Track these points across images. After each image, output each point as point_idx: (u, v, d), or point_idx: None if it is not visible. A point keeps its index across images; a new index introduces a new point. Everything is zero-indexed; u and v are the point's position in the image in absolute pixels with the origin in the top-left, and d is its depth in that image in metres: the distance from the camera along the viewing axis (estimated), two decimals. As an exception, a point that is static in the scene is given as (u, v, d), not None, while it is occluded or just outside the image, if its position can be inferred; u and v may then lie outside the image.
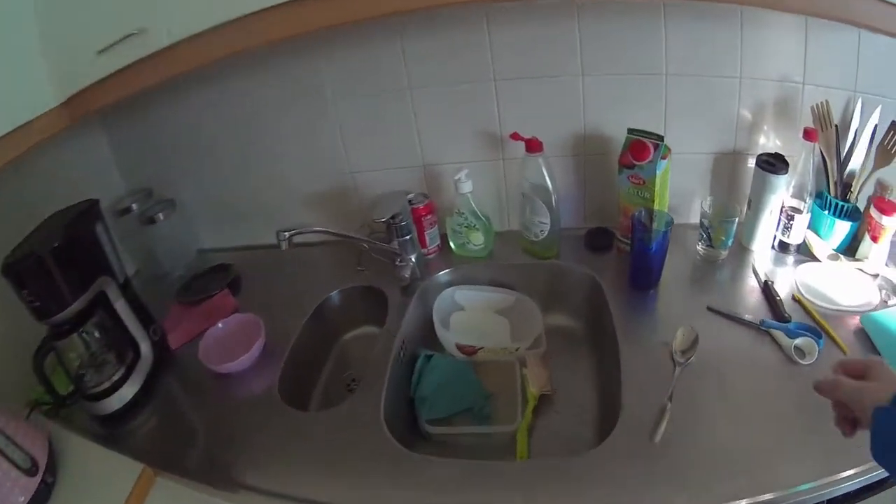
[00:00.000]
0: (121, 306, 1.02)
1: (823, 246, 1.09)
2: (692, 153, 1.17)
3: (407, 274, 1.15)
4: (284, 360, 1.08)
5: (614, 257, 1.22)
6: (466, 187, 1.16)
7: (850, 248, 1.09)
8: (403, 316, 1.13)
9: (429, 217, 1.22)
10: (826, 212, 1.08)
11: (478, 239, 1.20)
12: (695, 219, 1.18)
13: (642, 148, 1.05)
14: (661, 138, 1.04)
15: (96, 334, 0.98)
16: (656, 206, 1.09)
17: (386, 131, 1.22)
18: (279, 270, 1.34)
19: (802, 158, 1.03)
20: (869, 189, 1.05)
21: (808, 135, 1.01)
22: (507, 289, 1.21)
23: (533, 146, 1.11)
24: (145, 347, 1.07)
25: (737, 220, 1.11)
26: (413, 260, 1.17)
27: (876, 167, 1.02)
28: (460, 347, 1.11)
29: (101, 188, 1.25)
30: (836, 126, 1.02)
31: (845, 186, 1.06)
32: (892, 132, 0.98)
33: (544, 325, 1.12)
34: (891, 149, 0.99)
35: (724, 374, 0.92)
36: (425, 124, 1.20)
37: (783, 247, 1.14)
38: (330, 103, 1.19)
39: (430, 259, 1.27)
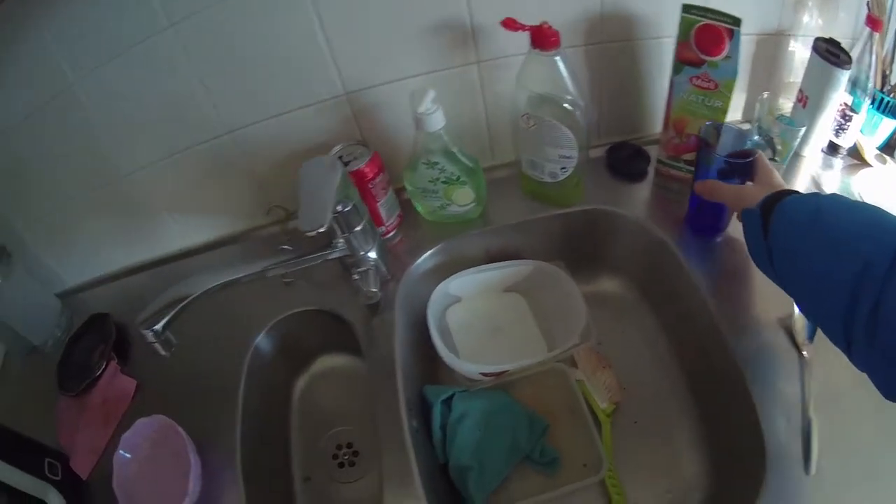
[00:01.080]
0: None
1: (870, 146, 0.86)
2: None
3: (372, 286, 0.71)
4: (239, 470, 0.68)
5: (650, 187, 0.84)
6: (436, 120, 0.69)
7: (887, 148, 0.87)
8: (390, 343, 0.72)
9: (378, 179, 0.76)
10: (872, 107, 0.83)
11: (465, 196, 0.77)
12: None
13: (716, 37, 0.67)
14: (736, 22, 0.65)
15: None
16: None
17: (272, 53, 0.72)
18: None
19: (861, 47, 0.77)
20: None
21: (873, 23, 0.74)
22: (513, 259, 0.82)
23: (545, 39, 0.66)
24: (53, 497, 0.73)
25: (804, 128, 0.79)
26: (374, 257, 0.74)
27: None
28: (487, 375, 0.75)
29: None
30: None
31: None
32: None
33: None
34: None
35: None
36: (336, 26, 0.71)
37: (833, 149, 0.88)
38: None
39: (391, 240, 0.83)
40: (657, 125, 0.82)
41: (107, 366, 0.88)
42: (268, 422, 0.79)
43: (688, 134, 0.77)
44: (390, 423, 0.65)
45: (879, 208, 0.50)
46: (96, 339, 0.95)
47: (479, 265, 0.81)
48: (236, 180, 0.85)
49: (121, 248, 0.97)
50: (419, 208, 0.82)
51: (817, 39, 0.78)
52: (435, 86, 0.71)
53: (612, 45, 0.78)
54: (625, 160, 0.84)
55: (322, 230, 0.59)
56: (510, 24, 0.67)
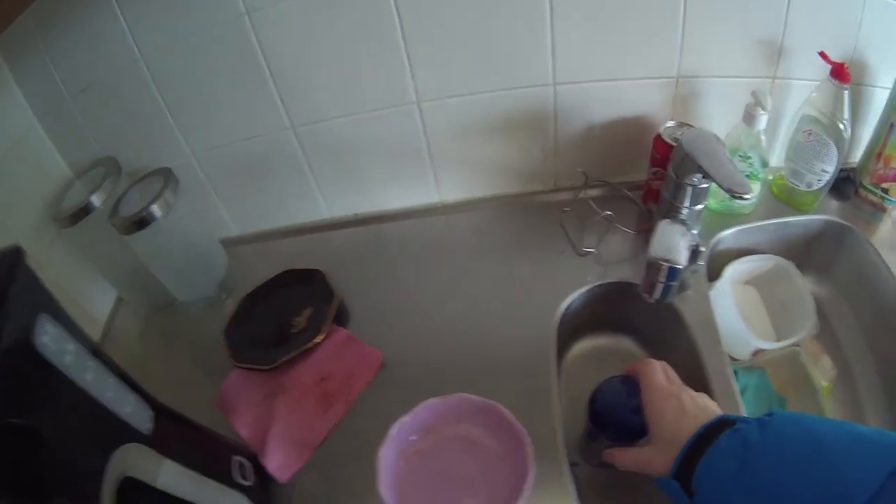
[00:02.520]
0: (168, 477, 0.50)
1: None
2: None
3: (699, 260, 0.76)
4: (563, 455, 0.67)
5: (851, 206, 0.96)
6: (763, 120, 0.79)
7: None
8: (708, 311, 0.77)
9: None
10: None
11: (754, 191, 0.86)
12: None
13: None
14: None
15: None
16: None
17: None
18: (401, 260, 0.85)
19: None
20: None
21: None
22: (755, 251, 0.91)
23: (843, 74, 0.78)
24: None
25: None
26: (696, 233, 0.79)
27: None
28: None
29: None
30: None
31: None
32: None
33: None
34: None
35: None
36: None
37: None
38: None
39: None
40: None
41: (329, 334, 0.77)
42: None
43: (892, 168, 0.92)
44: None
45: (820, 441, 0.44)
46: (298, 299, 0.82)
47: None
48: (527, 139, 0.84)
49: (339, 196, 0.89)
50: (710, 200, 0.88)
51: None
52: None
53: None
54: (839, 181, 0.98)
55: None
56: (823, 56, 0.79)
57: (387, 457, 0.64)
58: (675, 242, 0.56)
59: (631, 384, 0.64)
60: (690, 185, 0.71)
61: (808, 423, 0.47)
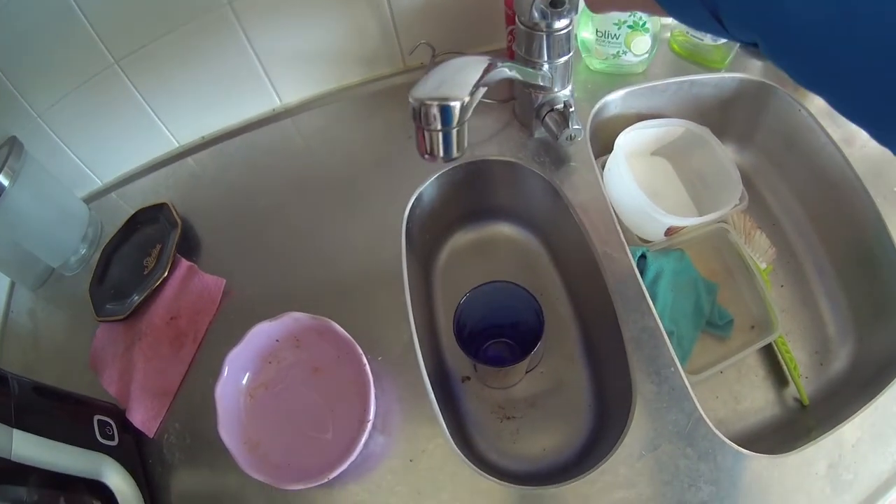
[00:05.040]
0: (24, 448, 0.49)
1: None
2: None
3: (575, 122, 0.65)
4: (424, 375, 0.58)
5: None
6: None
7: None
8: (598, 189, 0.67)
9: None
10: None
11: (643, 46, 0.73)
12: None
13: None
14: None
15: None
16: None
17: None
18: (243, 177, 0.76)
19: None
20: None
21: None
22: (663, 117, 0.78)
23: None
24: (110, 472, 0.55)
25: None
26: (568, 94, 0.67)
27: None
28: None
29: None
30: None
31: None
32: None
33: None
34: None
35: None
36: None
37: None
38: None
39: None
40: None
41: (173, 267, 0.70)
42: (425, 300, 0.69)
43: None
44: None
45: None
46: (148, 238, 0.77)
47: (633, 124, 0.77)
48: (358, 16, 0.74)
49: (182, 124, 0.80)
50: (587, 60, 0.77)
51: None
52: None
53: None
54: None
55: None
56: None
57: (224, 396, 0.57)
58: (443, 78, 0.43)
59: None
60: (542, 31, 0.59)
61: None
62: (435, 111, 0.42)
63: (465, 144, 0.46)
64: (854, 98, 0.29)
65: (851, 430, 0.53)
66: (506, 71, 0.49)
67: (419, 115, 0.43)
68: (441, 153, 0.45)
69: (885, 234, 0.65)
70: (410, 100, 0.43)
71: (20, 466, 0.47)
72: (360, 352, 0.55)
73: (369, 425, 0.53)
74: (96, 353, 0.70)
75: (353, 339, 0.55)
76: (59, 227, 0.79)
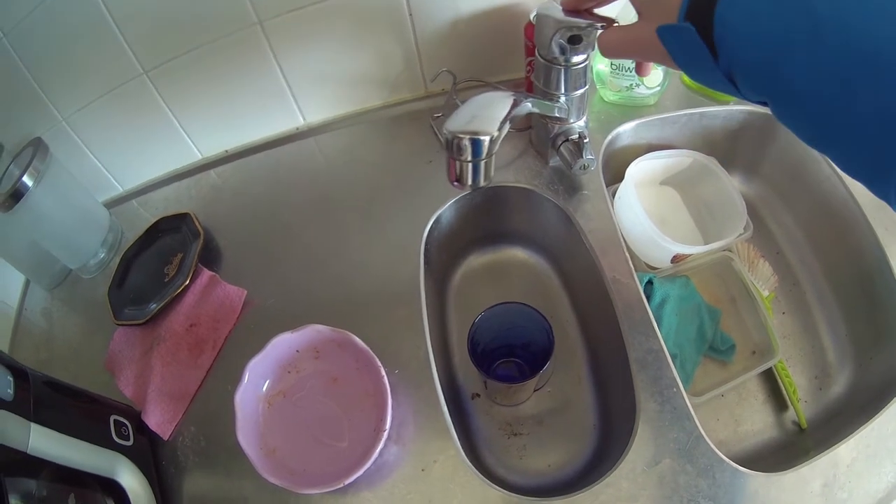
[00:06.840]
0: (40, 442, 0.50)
1: None
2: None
3: (588, 153, 0.67)
4: (438, 388, 0.60)
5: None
6: None
7: None
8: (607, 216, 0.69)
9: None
10: None
11: (655, 79, 0.76)
12: None
13: None
14: None
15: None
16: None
17: None
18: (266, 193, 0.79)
19: None
20: None
21: None
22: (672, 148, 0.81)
23: None
24: (124, 471, 0.57)
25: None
26: (584, 125, 0.70)
27: None
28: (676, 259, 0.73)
29: None
30: None
31: None
32: None
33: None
34: None
35: None
36: None
37: None
38: None
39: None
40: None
41: (195, 276, 0.72)
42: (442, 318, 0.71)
43: None
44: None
45: None
46: (170, 247, 0.79)
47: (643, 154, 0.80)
48: (384, 43, 0.76)
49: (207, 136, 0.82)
50: (601, 91, 0.80)
51: None
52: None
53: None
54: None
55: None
56: None
57: (243, 402, 0.59)
58: (475, 112, 0.46)
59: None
60: (560, 65, 0.62)
61: None
62: (467, 143, 0.45)
63: (492, 174, 0.49)
64: (849, 160, 0.33)
65: (847, 451, 0.55)
66: (528, 106, 0.52)
67: (452, 146, 0.46)
68: (469, 181, 0.48)
69: (886, 264, 0.67)
70: (444, 132, 0.46)
71: (34, 459, 0.48)
72: (379, 364, 0.57)
73: (385, 434, 0.55)
74: (113, 356, 0.72)
75: (372, 352, 0.58)
76: (79, 230, 0.81)
